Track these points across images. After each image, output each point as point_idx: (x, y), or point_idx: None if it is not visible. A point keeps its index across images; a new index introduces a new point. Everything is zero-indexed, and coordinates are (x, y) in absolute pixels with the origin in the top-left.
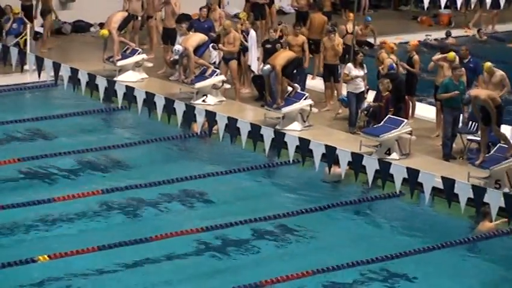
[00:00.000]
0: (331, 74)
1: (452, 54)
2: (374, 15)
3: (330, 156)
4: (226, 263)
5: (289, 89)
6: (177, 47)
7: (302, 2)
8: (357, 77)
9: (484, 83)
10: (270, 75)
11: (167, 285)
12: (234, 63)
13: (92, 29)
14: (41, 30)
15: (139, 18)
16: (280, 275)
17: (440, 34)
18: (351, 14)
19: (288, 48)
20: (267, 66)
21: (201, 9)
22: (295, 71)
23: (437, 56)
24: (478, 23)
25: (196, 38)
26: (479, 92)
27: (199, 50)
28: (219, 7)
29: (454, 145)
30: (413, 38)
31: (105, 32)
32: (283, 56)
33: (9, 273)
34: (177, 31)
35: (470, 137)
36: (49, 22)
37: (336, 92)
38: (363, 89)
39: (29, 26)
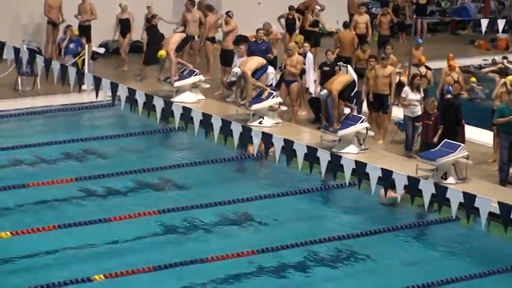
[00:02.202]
0: (380, 104)
1: (510, 77)
2: (431, 39)
3: (386, 179)
4: (282, 285)
5: (347, 111)
6: (236, 69)
7: (361, 26)
8: (414, 100)
9: None
10: (327, 99)
11: None
12: (295, 86)
13: None
14: (98, 50)
15: (197, 39)
16: None
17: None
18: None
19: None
20: (324, 91)
21: (257, 31)
22: (352, 94)
23: (488, 68)
24: None
25: (254, 61)
26: None
27: (257, 72)
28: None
29: (510, 170)
30: (470, 62)
31: (163, 52)
32: (339, 81)
33: None
34: (234, 53)
35: None
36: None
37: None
38: (419, 112)
39: (87, 46)
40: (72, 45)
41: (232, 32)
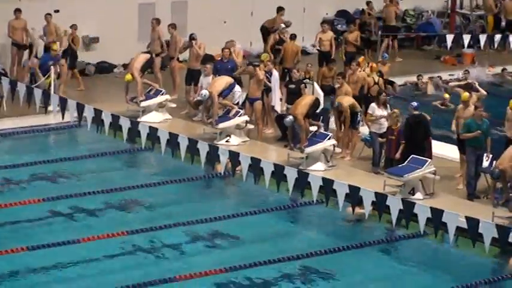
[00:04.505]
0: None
1: (466, 94)
2: (397, 54)
3: (354, 196)
4: None
5: (313, 128)
6: (204, 91)
7: (326, 43)
8: (381, 117)
9: (508, 121)
10: (293, 124)
11: None
12: (259, 104)
13: (115, 69)
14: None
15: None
16: None
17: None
18: (374, 66)
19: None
20: (290, 118)
21: (223, 50)
22: (317, 111)
23: (454, 83)
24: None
25: (222, 82)
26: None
27: (224, 91)
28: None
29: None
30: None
31: (128, 76)
32: (303, 104)
33: None
34: (201, 72)
35: None
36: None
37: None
38: (385, 129)
39: (52, 68)
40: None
41: (199, 53)
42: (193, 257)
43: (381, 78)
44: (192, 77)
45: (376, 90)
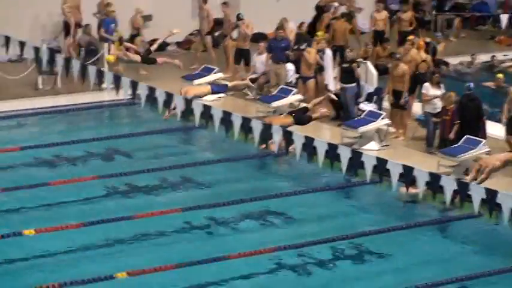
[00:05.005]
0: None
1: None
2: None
3: (408, 176)
4: (305, 282)
5: (367, 107)
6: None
7: (380, 22)
8: (435, 97)
9: None
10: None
11: None
12: (311, 83)
13: (168, 47)
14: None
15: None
16: None
17: None
18: (421, 43)
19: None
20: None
21: (277, 29)
22: (371, 91)
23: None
24: None
25: (199, 90)
26: None
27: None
28: None
29: None
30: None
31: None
32: None
33: None
34: (249, 51)
35: None
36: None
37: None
38: (439, 109)
39: (106, 44)
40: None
41: (246, 32)
42: (246, 235)
43: (428, 56)
44: (241, 57)
45: (424, 67)
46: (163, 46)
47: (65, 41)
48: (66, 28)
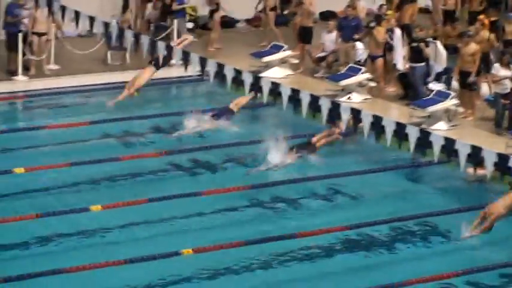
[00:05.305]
0: (466, 81)
1: None
2: None
3: (476, 156)
4: (368, 262)
5: (437, 87)
6: None
7: (450, 2)
8: (505, 77)
9: None
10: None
11: (307, 281)
12: (380, 62)
13: (237, 24)
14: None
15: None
16: (422, 275)
17: None
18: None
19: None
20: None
21: (347, 7)
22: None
23: None
24: None
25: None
26: None
27: None
28: None
29: None
30: None
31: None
32: None
33: (157, 266)
34: (312, 29)
35: None
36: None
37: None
38: (509, 90)
39: (176, 21)
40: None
41: (309, 10)
42: (313, 214)
43: (492, 35)
44: (304, 35)
45: (488, 47)
46: (232, 23)
47: (123, 16)
48: (125, 2)
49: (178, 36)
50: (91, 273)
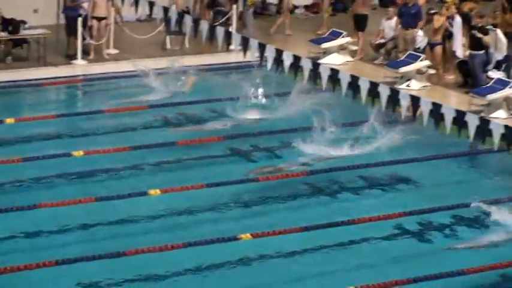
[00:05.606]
0: None
1: None
2: None
3: None
4: (425, 248)
5: (495, 75)
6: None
7: None
8: None
9: None
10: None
11: (367, 267)
12: (439, 49)
13: (296, 11)
14: None
15: None
16: (478, 264)
17: None
18: None
19: None
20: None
21: None
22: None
23: None
24: None
25: None
26: None
27: None
28: None
29: None
30: None
31: None
32: None
33: (213, 249)
34: (367, 17)
35: None
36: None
37: None
38: None
39: (235, 6)
40: None
41: None
42: (370, 200)
43: None
44: (359, 22)
45: None
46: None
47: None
48: None
49: (245, 26)
50: (150, 256)
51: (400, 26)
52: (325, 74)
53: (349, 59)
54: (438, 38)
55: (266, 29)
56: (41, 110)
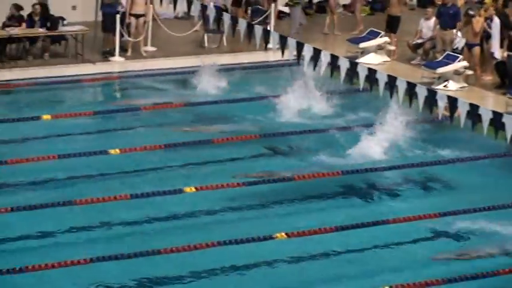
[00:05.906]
0: None
1: None
2: None
3: None
4: (456, 249)
5: None
6: None
7: None
8: None
9: None
10: None
11: (402, 268)
12: (477, 50)
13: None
14: (283, 9)
15: None
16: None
17: None
18: None
19: None
20: None
21: None
22: None
23: None
24: None
25: None
26: None
27: None
28: None
29: None
30: None
31: None
32: None
33: (250, 249)
34: (399, 19)
35: None
36: None
37: None
38: None
39: (273, 5)
40: None
41: None
42: (406, 201)
43: None
44: (392, 23)
45: None
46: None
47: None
48: None
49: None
50: (182, 255)
51: (438, 26)
52: (362, 73)
53: (387, 59)
54: (476, 39)
55: (307, 27)
56: (78, 107)
